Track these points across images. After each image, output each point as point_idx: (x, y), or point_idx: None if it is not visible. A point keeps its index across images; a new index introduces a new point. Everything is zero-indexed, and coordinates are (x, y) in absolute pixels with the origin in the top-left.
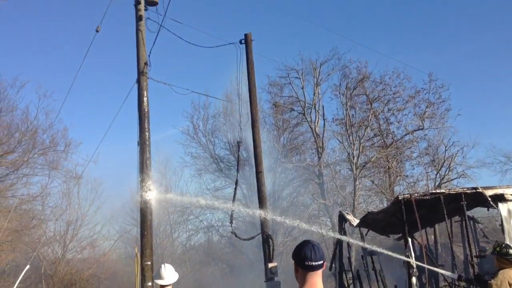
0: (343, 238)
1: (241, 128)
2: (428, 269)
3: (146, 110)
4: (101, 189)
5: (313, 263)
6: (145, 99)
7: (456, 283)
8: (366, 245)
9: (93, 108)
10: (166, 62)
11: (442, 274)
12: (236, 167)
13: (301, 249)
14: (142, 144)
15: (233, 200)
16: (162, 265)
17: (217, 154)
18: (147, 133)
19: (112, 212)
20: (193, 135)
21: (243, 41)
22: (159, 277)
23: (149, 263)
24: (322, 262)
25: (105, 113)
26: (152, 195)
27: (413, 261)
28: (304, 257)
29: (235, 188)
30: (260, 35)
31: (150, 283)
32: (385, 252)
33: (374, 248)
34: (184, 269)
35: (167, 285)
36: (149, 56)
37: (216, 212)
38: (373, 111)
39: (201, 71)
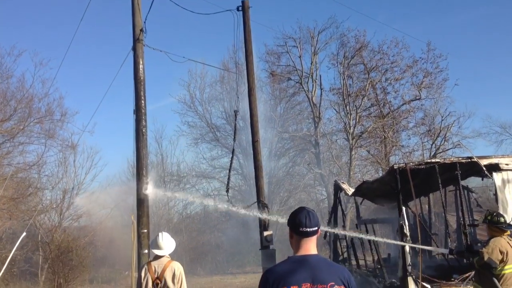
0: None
1: (238, 97)
2: (422, 237)
3: (142, 78)
4: (97, 158)
5: (308, 229)
6: (141, 66)
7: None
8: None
9: (89, 77)
10: (163, 29)
11: (434, 242)
12: (232, 136)
13: (296, 216)
14: (138, 112)
15: (230, 169)
16: (160, 234)
17: (213, 123)
18: (143, 101)
19: (108, 180)
20: (189, 104)
21: (240, 8)
22: (157, 246)
23: (145, 231)
24: (316, 228)
25: (101, 82)
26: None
27: (407, 229)
28: (298, 223)
29: (232, 157)
30: (257, 2)
31: (146, 251)
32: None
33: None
34: (181, 237)
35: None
36: (144, 22)
37: (212, 181)
38: (371, 81)
39: (198, 39)
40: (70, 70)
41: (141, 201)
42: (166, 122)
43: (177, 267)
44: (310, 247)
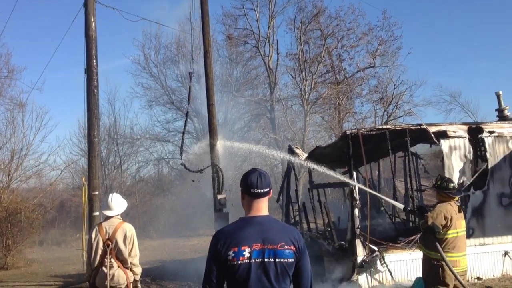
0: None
1: (193, 59)
2: (370, 202)
3: (93, 36)
4: (46, 118)
5: (259, 190)
6: (92, 24)
7: (396, 215)
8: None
9: (39, 33)
10: None
11: (383, 207)
12: (187, 99)
13: (247, 177)
14: (89, 71)
15: (183, 132)
16: (110, 195)
17: (168, 86)
18: (94, 60)
19: (58, 141)
20: (144, 65)
21: None
22: (107, 207)
23: (96, 193)
24: (268, 189)
25: (52, 38)
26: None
27: (356, 193)
28: (250, 184)
29: (186, 120)
30: None
31: (97, 213)
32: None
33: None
34: (134, 200)
35: (115, 216)
36: None
37: (166, 145)
38: (327, 47)
39: None
40: (18, 24)
41: (92, 163)
42: (120, 83)
43: (129, 229)
44: (262, 208)
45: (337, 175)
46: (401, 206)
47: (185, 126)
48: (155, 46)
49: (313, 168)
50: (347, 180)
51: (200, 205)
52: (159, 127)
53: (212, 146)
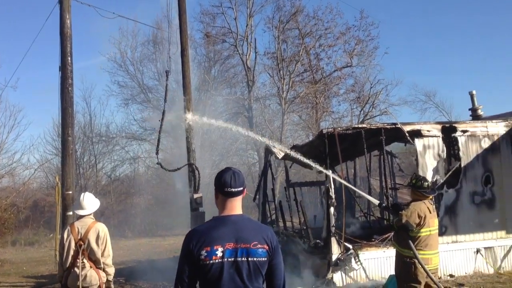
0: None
1: (169, 57)
2: (346, 200)
3: (68, 33)
4: (20, 116)
5: (233, 190)
6: (67, 21)
7: (371, 213)
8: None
9: (13, 31)
10: None
11: (358, 204)
12: (164, 98)
13: (221, 176)
14: (64, 69)
15: (160, 131)
16: (82, 194)
17: (145, 84)
18: (69, 58)
19: (32, 140)
20: (120, 63)
21: None
22: (79, 206)
23: (70, 192)
24: (242, 188)
25: (26, 35)
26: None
27: (332, 192)
28: (224, 183)
29: (162, 119)
30: None
31: (71, 213)
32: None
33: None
34: (109, 199)
35: (87, 215)
36: None
37: (143, 143)
38: (305, 46)
39: None
40: None
41: (66, 162)
42: (96, 81)
43: (102, 228)
44: (235, 207)
45: (318, 167)
46: (376, 202)
47: (161, 124)
48: (132, 44)
49: (290, 167)
50: (325, 171)
51: (176, 204)
52: (135, 126)
53: (189, 146)
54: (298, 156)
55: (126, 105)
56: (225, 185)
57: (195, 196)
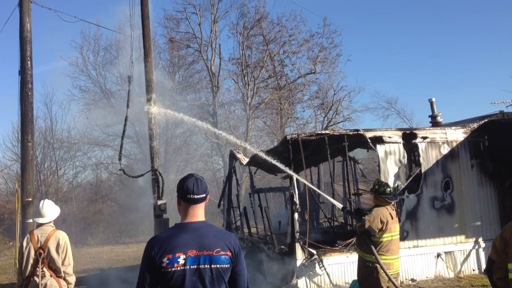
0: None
1: (132, 62)
2: (310, 206)
3: (28, 37)
4: None
5: (195, 196)
6: (27, 24)
7: (334, 218)
8: None
9: None
10: None
11: (322, 210)
12: (126, 103)
13: (184, 183)
14: (23, 73)
15: (122, 136)
16: (41, 202)
17: (108, 89)
18: (29, 62)
19: None
20: (82, 67)
21: None
22: (38, 214)
23: (30, 199)
24: (204, 195)
25: None
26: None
27: (296, 197)
28: (186, 190)
29: (125, 125)
30: None
31: (31, 220)
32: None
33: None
34: (71, 206)
35: (47, 223)
36: None
37: (106, 149)
38: (269, 52)
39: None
40: None
41: (25, 168)
42: (57, 86)
43: (62, 236)
44: (198, 213)
45: (286, 169)
46: (340, 205)
47: (124, 130)
48: (94, 48)
49: (255, 173)
50: (290, 172)
51: (140, 211)
52: (97, 131)
53: (152, 148)
54: (266, 157)
55: (88, 110)
56: (187, 192)
57: (159, 202)
